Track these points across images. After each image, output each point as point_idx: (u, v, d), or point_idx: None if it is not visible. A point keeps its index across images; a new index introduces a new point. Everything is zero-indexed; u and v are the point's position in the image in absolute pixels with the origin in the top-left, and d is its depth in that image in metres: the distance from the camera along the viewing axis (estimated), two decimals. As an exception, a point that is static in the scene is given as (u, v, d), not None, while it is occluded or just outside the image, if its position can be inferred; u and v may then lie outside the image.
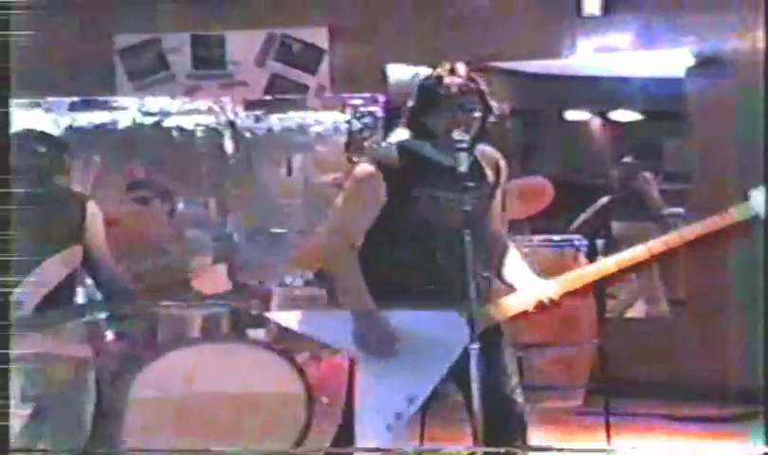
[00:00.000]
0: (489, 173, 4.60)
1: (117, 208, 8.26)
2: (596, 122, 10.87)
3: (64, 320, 4.93)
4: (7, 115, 3.93)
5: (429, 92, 4.48)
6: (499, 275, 4.68)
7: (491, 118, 4.53)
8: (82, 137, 9.24)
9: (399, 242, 4.46)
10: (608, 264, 4.69)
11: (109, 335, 7.28)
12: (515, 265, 4.70)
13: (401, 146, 4.56)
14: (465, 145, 4.34)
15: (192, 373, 6.88)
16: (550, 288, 4.60)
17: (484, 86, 4.52)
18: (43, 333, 4.81)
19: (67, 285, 4.91)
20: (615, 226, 8.63)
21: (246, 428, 6.78)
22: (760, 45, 7.94)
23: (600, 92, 10.27)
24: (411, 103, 4.55)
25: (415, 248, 4.45)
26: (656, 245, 4.59)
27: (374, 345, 4.39)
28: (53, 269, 4.82)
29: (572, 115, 10.79)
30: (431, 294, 4.43)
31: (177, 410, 6.77)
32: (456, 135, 4.34)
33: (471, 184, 4.35)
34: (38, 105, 8.96)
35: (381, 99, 8.85)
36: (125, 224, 7.45)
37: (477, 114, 4.47)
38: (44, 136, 5.09)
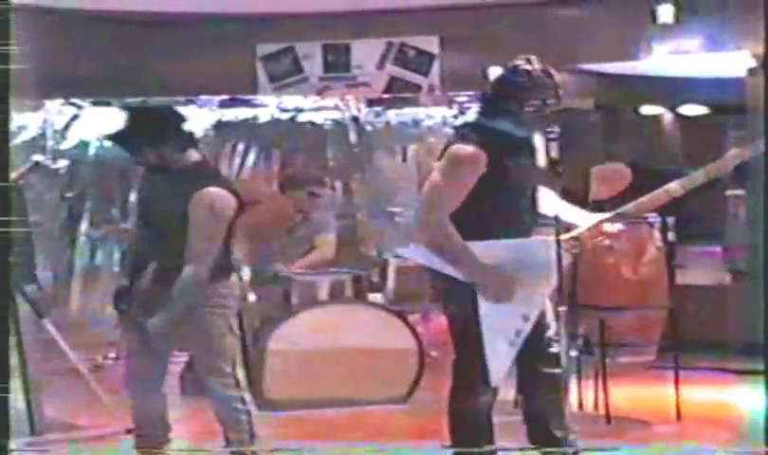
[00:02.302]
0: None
1: (257, 189, 8.26)
2: (668, 116, 10.70)
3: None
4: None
5: (509, 79, 4.33)
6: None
7: (558, 105, 4.37)
8: (228, 130, 9.28)
9: (494, 204, 4.33)
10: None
11: (251, 296, 7.23)
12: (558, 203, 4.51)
13: (487, 126, 4.41)
14: (554, 135, 4.20)
15: (320, 329, 6.83)
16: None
17: (557, 77, 4.37)
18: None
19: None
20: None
21: (365, 379, 6.74)
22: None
23: (671, 90, 10.10)
24: (493, 89, 4.41)
25: (506, 207, 4.32)
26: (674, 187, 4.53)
27: (495, 294, 4.25)
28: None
29: (647, 110, 10.62)
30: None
31: (307, 361, 6.74)
32: (549, 129, 4.23)
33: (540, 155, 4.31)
34: (193, 102, 8.98)
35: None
36: (264, 205, 7.40)
37: (551, 101, 4.32)
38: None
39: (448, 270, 4.32)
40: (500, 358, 4.32)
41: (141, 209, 4.78)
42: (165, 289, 4.53)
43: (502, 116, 4.35)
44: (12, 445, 5.58)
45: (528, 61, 4.36)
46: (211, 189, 4.55)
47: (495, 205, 4.33)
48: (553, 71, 4.39)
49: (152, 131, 4.62)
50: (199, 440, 5.94)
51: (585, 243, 4.50)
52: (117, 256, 8.86)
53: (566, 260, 4.29)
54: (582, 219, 4.52)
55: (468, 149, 4.31)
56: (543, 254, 4.24)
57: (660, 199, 4.59)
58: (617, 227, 4.64)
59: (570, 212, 4.52)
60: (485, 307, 4.30)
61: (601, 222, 4.57)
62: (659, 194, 4.58)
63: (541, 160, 4.30)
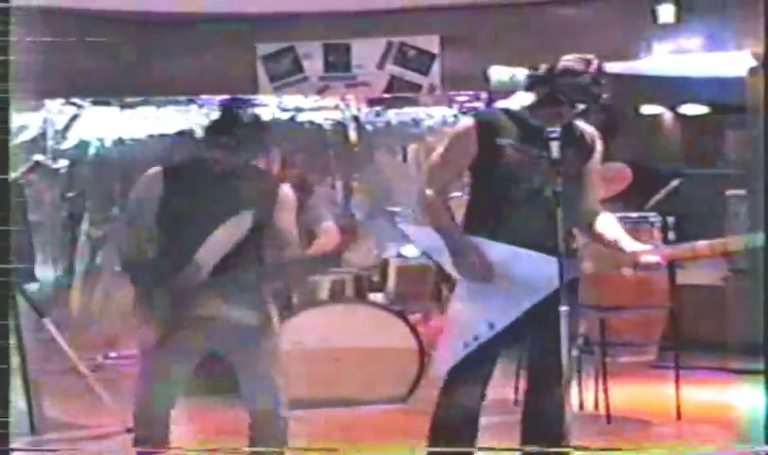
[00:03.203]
0: (583, 143, 4.42)
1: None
2: (668, 115, 10.69)
3: (237, 285, 4.48)
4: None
5: (561, 73, 4.32)
6: (590, 233, 4.46)
7: (582, 107, 4.36)
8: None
9: (493, 194, 4.32)
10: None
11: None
12: (611, 225, 4.47)
13: (501, 109, 4.43)
14: (556, 135, 4.19)
15: (321, 329, 6.84)
16: (653, 252, 4.37)
17: (601, 88, 4.34)
18: (216, 296, 4.42)
19: (240, 251, 4.47)
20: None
21: (365, 378, 6.75)
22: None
23: (672, 89, 10.09)
24: (543, 73, 4.37)
25: (507, 200, 4.30)
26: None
27: (474, 274, 4.24)
28: (229, 233, 4.41)
29: (647, 109, 10.60)
30: (524, 241, 4.26)
31: (308, 361, 6.71)
32: (549, 127, 4.18)
33: (562, 146, 4.18)
34: (193, 102, 8.98)
35: (483, 96, 8.76)
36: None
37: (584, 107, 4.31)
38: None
39: (444, 259, 4.34)
40: (447, 354, 4.29)
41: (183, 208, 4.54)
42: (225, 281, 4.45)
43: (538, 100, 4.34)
44: (14, 444, 5.67)
45: (587, 62, 4.32)
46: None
47: (496, 203, 4.33)
48: (602, 80, 4.34)
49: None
50: (203, 442, 5.96)
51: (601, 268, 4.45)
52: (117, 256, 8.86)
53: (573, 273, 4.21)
54: (626, 246, 4.38)
55: (464, 122, 4.39)
56: (537, 270, 4.18)
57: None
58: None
59: (617, 236, 4.43)
60: (457, 299, 4.30)
61: (642, 253, 4.41)
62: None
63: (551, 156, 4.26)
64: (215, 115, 4.55)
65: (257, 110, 4.69)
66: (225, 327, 4.46)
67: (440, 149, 4.43)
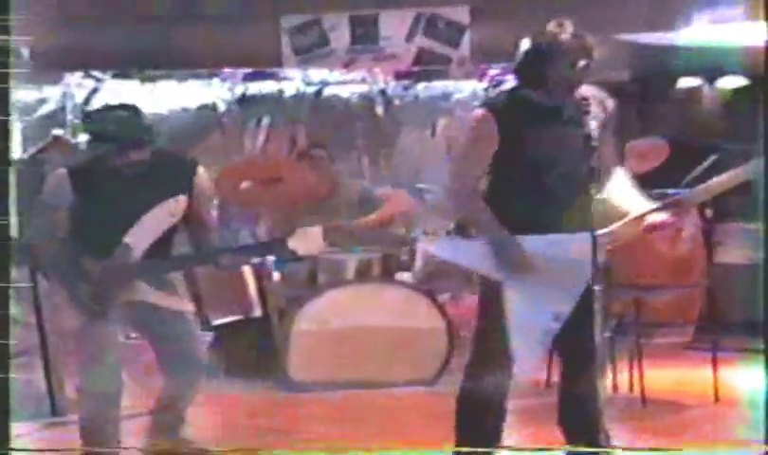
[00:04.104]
0: (596, 111, 4.37)
1: (281, 165, 8.26)
2: (707, 88, 10.59)
3: (168, 270, 4.66)
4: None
5: (540, 44, 4.28)
6: (609, 196, 4.43)
7: (587, 68, 4.30)
8: (252, 104, 9.30)
9: (519, 180, 4.29)
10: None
11: (276, 275, 7.24)
12: (623, 187, 4.43)
13: (511, 92, 4.39)
14: (589, 108, 4.14)
15: (347, 309, 6.84)
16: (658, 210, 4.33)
17: (589, 41, 4.30)
18: (147, 282, 4.55)
19: (169, 237, 4.64)
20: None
21: (393, 359, 6.75)
22: None
23: (710, 61, 9.98)
24: (523, 54, 4.35)
25: (533, 184, 4.28)
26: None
27: (514, 266, 4.22)
28: (159, 218, 4.55)
29: (684, 82, 10.50)
30: (560, 225, 4.24)
31: (333, 342, 6.75)
32: (584, 100, 4.15)
33: (576, 123, 4.15)
34: (216, 75, 8.98)
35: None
36: (292, 180, 7.40)
37: (582, 63, 4.26)
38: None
39: (474, 262, 4.33)
40: (528, 356, 4.28)
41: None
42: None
43: (531, 84, 4.32)
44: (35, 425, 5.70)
45: (559, 25, 4.31)
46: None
47: (524, 178, 4.29)
48: (584, 34, 4.32)
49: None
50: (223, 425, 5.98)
51: (622, 237, 4.41)
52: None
53: (600, 257, 4.20)
54: (637, 207, 4.35)
55: (479, 111, 4.34)
56: (578, 250, 4.18)
57: (718, 186, 4.47)
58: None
59: (629, 199, 4.42)
60: (515, 303, 4.28)
61: (652, 212, 4.40)
62: (720, 181, 4.47)
63: (579, 132, 4.23)
64: (101, 122, 4.62)
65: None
66: (149, 311, 4.55)
67: (462, 144, 4.43)
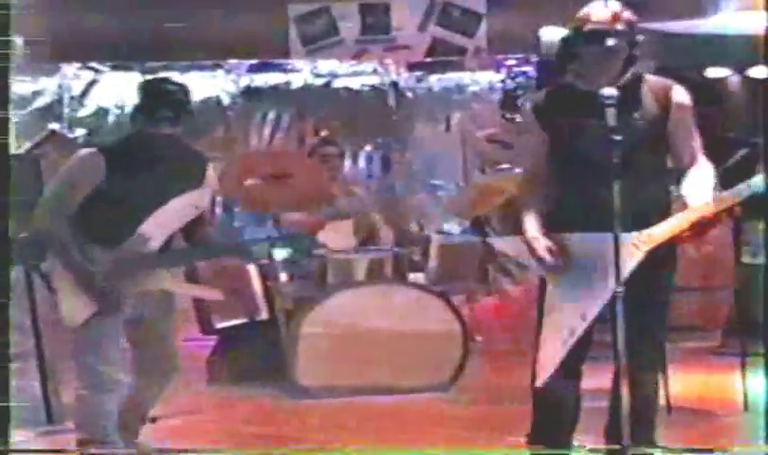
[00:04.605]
0: (651, 104, 4.34)
1: (290, 160, 8.25)
2: (736, 79, 10.54)
3: (192, 259, 4.89)
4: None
5: (579, 30, 4.27)
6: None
7: (637, 52, 4.29)
8: (258, 96, 9.30)
9: (561, 174, 4.30)
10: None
11: (283, 275, 7.23)
12: (693, 182, 4.39)
13: (552, 82, 4.40)
14: (611, 100, 4.12)
15: (357, 312, 6.83)
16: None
17: (633, 19, 4.28)
18: (168, 271, 4.68)
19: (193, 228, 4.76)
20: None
21: (405, 364, 6.72)
22: None
23: (740, 50, 9.94)
24: (562, 43, 4.34)
25: (574, 179, 4.28)
26: None
27: (544, 263, 4.25)
28: (181, 208, 4.66)
29: (713, 72, 10.46)
30: (594, 219, 4.23)
31: (343, 346, 6.73)
32: (605, 92, 4.12)
33: (624, 113, 4.12)
34: (219, 67, 8.99)
35: (534, 59, 8.70)
36: (301, 177, 7.40)
37: (622, 50, 4.24)
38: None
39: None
40: (549, 357, 4.29)
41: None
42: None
43: (570, 69, 4.31)
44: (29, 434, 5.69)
45: (600, 11, 4.28)
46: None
47: (564, 182, 4.32)
48: (627, 15, 4.28)
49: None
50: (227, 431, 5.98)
51: (663, 238, 4.38)
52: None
53: (635, 259, 4.18)
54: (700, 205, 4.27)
55: (527, 108, 4.40)
56: (611, 250, 4.18)
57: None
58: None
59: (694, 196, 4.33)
60: (550, 297, 4.29)
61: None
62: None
63: (639, 127, 4.20)
64: (151, 89, 4.77)
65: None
66: (157, 296, 4.68)
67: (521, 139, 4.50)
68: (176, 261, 4.80)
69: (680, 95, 4.37)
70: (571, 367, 4.31)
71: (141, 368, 4.71)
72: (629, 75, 4.28)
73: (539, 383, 4.28)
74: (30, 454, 5.10)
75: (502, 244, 4.68)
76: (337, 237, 7.14)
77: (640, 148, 4.24)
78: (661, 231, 4.22)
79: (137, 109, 4.74)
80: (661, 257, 4.24)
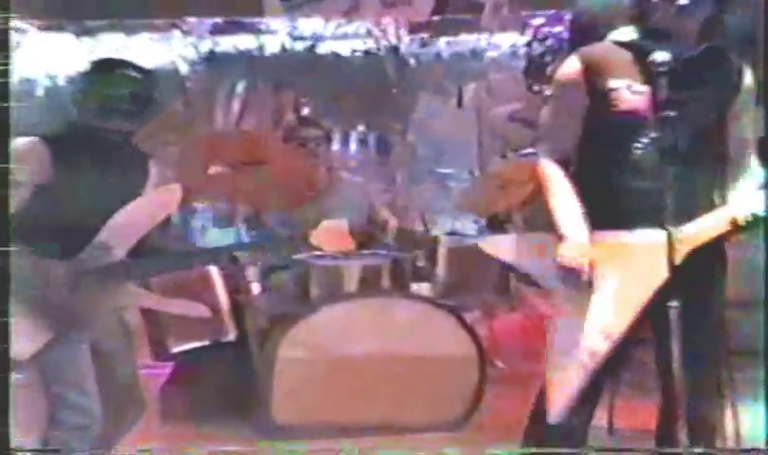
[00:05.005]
0: (722, 77, 4.33)
1: (263, 144, 8.24)
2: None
3: (164, 270, 4.93)
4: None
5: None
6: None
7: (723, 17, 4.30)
8: (224, 64, 9.31)
9: (596, 158, 4.29)
10: None
11: (255, 287, 7.23)
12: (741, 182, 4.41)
13: (612, 41, 4.38)
14: (665, 66, 4.10)
15: (348, 331, 6.81)
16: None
17: None
18: (135, 282, 4.74)
19: (162, 231, 4.83)
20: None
21: (407, 396, 6.71)
22: None
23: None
24: None
25: (617, 159, 4.27)
26: None
27: (566, 268, 4.23)
28: (146, 211, 4.69)
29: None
30: (637, 215, 4.23)
31: (331, 374, 6.72)
32: (657, 57, 4.11)
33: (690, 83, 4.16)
34: (176, 27, 8.99)
35: (567, 17, 8.72)
36: (278, 164, 7.40)
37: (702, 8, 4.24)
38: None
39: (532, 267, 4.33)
40: (562, 386, 4.29)
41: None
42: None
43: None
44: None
45: None
46: None
47: (604, 163, 4.31)
48: None
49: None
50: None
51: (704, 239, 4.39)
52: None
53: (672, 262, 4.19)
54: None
55: (570, 64, 4.35)
56: (647, 252, 4.17)
57: None
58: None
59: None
60: (558, 311, 4.29)
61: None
62: None
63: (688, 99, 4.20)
64: (108, 75, 4.74)
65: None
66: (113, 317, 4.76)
67: (550, 105, 4.48)
68: (148, 271, 4.84)
69: (749, 78, 4.39)
70: (589, 398, 4.32)
71: (106, 402, 4.73)
72: (704, 47, 4.27)
73: (552, 417, 4.28)
74: (30, 454, 5.15)
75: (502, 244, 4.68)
76: (330, 240, 7.13)
77: (697, 135, 4.24)
78: (696, 230, 4.22)
79: (87, 95, 4.71)
80: (706, 262, 4.23)
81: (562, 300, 4.32)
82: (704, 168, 4.27)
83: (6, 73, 3.94)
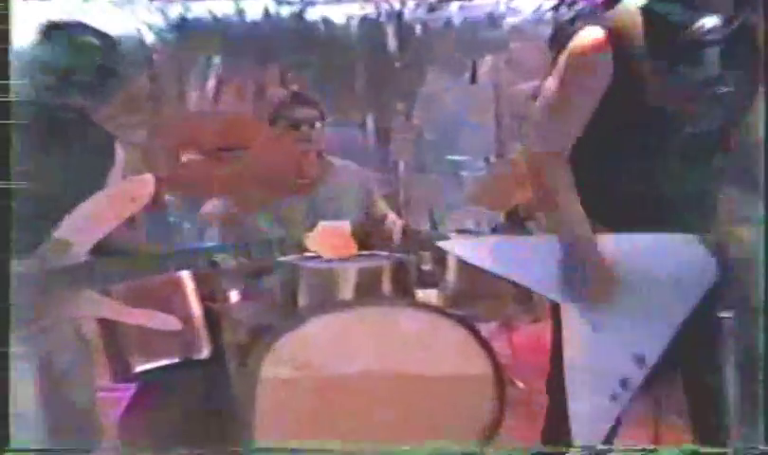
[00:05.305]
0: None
1: (244, 126, 8.25)
2: None
3: (132, 274, 4.96)
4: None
5: None
6: None
7: None
8: (197, 33, 9.32)
9: (624, 143, 4.30)
10: None
11: (234, 295, 7.24)
12: None
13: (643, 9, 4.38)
14: (715, 34, 4.11)
15: (342, 345, 6.81)
16: None
17: None
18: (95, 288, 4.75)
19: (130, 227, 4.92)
20: None
21: (412, 421, 6.71)
22: None
23: None
24: None
25: (644, 150, 4.28)
26: None
27: (592, 285, 4.23)
28: (113, 202, 4.70)
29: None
30: (665, 216, 4.22)
31: (322, 395, 6.73)
32: (707, 22, 4.11)
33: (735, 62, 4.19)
34: (138, -12, 9.05)
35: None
36: (262, 150, 7.42)
37: None
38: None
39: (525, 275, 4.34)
40: (590, 419, 4.31)
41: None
42: None
43: None
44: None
45: None
46: None
47: (628, 155, 4.31)
48: None
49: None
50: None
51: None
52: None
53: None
54: None
55: (591, 32, 4.32)
56: (686, 260, 4.18)
57: None
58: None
59: None
60: (577, 335, 4.30)
61: None
62: None
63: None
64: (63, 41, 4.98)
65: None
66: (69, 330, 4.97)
67: (555, 82, 4.46)
68: (113, 275, 4.85)
69: None
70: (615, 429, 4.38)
71: (50, 434, 4.75)
72: (739, 22, 4.27)
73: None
74: (30, 454, 5.20)
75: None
76: (332, 244, 7.14)
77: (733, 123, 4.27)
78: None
79: (37, 66, 4.73)
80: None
81: (578, 314, 4.32)
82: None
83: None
